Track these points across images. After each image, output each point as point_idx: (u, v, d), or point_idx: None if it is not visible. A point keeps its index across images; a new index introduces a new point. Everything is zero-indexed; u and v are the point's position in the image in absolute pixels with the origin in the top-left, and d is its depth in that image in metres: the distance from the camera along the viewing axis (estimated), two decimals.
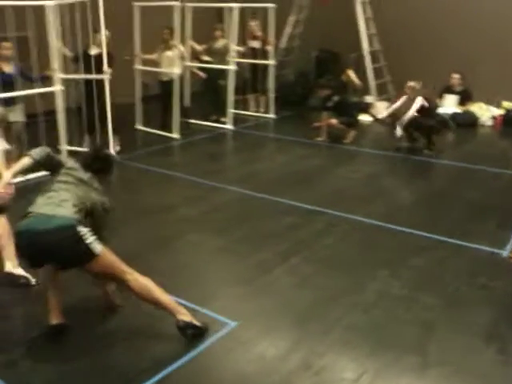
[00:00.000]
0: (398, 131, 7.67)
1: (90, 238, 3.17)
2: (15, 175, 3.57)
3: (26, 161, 3.45)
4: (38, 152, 3.47)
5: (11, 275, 3.98)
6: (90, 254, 3.15)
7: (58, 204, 3.21)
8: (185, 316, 3.35)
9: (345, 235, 5.02)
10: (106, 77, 6.90)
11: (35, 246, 3.13)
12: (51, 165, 3.50)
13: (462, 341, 3.42)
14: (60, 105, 6.54)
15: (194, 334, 3.34)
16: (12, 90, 6.11)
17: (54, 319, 3.42)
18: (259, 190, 6.10)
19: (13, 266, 3.98)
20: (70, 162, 3.56)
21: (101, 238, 3.29)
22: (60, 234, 3.10)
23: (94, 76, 7.05)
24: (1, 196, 3.52)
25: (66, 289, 3.55)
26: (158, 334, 3.44)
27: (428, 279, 4.21)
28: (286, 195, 5.93)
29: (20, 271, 4.00)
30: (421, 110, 7.53)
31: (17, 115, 6.39)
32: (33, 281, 4.01)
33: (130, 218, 5.31)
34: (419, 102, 7.51)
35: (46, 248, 3.11)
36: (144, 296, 3.31)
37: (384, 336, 3.46)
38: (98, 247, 3.18)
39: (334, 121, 8.29)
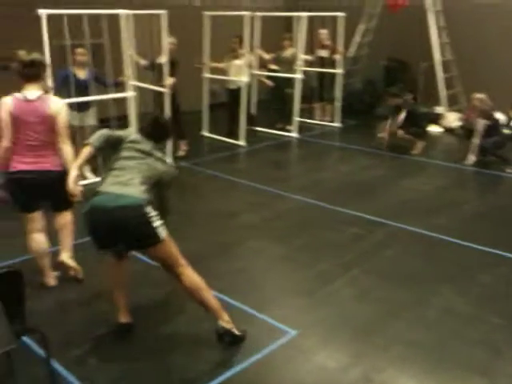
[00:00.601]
0: (471, 159, 7.52)
1: (157, 222, 3.21)
2: (80, 168, 3.65)
3: (87, 150, 3.45)
4: (96, 138, 3.46)
5: (64, 265, 4.11)
6: (154, 238, 3.19)
7: (126, 183, 3.25)
8: (226, 323, 3.37)
9: (407, 248, 4.93)
10: (166, 90, 7.08)
11: (103, 222, 3.18)
12: (113, 145, 3.47)
13: None
14: (132, 110, 6.74)
15: (230, 342, 3.37)
16: (86, 94, 6.35)
17: (123, 318, 3.53)
18: (322, 199, 6.09)
19: (67, 257, 4.11)
20: (132, 135, 3.55)
21: (165, 223, 3.32)
22: (129, 213, 3.14)
23: (153, 87, 7.27)
24: (77, 195, 3.62)
25: (131, 288, 3.65)
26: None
27: (493, 297, 4.07)
28: (348, 205, 5.89)
29: (72, 263, 4.13)
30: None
31: (90, 119, 6.65)
32: (81, 275, 4.18)
33: (194, 222, 5.43)
34: (481, 126, 7.39)
35: (114, 225, 3.15)
36: (192, 292, 3.34)
37: (446, 354, 3.37)
38: (163, 232, 3.23)
39: (400, 131, 8.17)
